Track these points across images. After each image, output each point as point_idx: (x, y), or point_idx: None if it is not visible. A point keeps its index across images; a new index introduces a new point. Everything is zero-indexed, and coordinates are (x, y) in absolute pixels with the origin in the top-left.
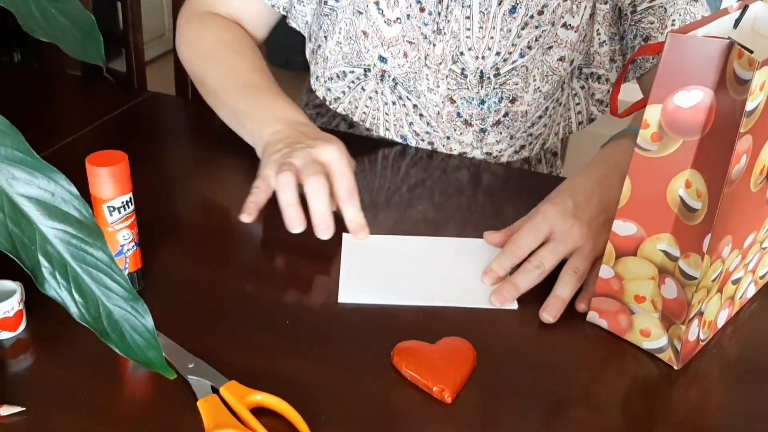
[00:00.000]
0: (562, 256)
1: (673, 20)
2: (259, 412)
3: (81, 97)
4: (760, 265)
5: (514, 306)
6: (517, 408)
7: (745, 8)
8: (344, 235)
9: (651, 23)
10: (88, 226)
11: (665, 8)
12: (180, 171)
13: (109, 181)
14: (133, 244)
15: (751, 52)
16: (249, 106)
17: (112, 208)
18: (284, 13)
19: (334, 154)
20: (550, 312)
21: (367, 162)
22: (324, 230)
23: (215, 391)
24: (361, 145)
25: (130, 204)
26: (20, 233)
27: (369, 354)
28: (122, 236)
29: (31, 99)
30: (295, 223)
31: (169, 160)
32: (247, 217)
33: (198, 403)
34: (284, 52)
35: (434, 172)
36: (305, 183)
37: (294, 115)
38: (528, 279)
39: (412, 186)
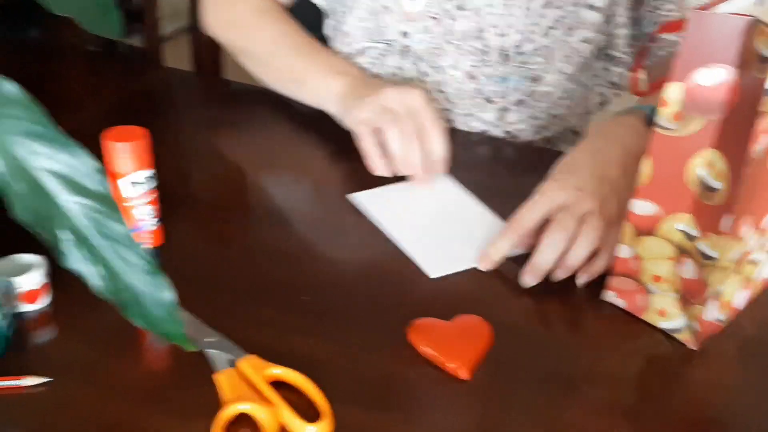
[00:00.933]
0: (579, 219)
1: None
2: (277, 386)
3: (98, 72)
4: None
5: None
6: (532, 385)
7: None
8: (354, 198)
9: (669, 10)
10: (109, 200)
11: None
12: (195, 147)
13: (130, 156)
14: (154, 219)
15: None
16: (308, 65)
17: (133, 183)
18: None
19: (420, 97)
20: (559, 274)
21: None
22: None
23: (233, 365)
24: None
25: (151, 180)
26: (41, 207)
27: (385, 331)
28: (143, 212)
29: (48, 74)
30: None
31: (185, 136)
32: (383, 170)
33: (216, 376)
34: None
35: (455, 148)
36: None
37: (355, 68)
38: (557, 249)
39: None
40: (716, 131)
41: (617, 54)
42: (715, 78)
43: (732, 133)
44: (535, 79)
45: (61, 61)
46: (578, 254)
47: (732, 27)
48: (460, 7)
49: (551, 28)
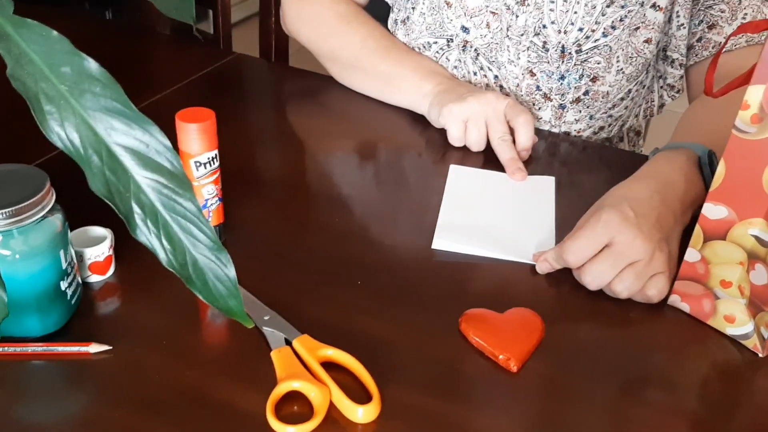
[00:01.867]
0: (621, 268)
1: (745, 14)
2: (329, 366)
3: (170, 55)
4: None
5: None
6: (584, 383)
7: None
8: (451, 168)
9: (722, 11)
10: (179, 178)
11: None
12: (262, 130)
13: (197, 136)
14: (216, 198)
15: None
16: (400, 68)
17: (198, 163)
18: None
19: (513, 102)
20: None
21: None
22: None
23: (288, 343)
24: None
25: (215, 160)
26: (116, 181)
27: (438, 319)
28: (207, 191)
29: (122, 55)
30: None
31: (252, 120)
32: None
33: (272, 353)
34: None
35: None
36: (491, 129)
37: (442, 69)
38: (597, 282)
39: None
40: None
41: (675, 55)
42: None
43: None
44: (594, 78)
45: (138, 42)
46: (615, 288)
47: None
48: (520, 2)
49: (612, 27)
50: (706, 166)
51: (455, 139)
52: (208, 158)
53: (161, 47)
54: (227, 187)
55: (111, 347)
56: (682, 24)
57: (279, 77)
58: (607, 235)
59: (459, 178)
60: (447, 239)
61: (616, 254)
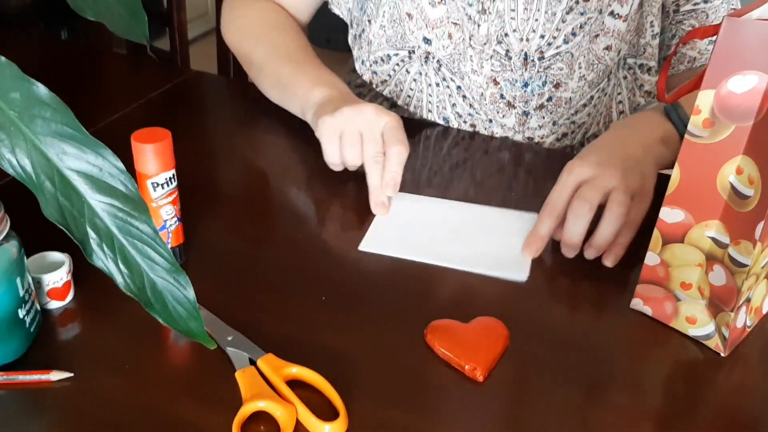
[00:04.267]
0: (602, 192)
1: None
2: (294, 384)
3: (126, 74)
4: None
5: (524, 277)
6: (550, 388)
7: None
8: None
9: (692, 26)
10: (134, 200)
11: (707, 14)
12: (221, 148)
13: (154, 157)
14: (175, 219)
15: None
16: (296, 74)
17: (155, 184)
18: None
19: (395, 121)
20: (611, 259)
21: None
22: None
23: (253, 363)
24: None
25: (173, 180)
26: (70, 206)
27: (403, 331)
28: (165, 211)
29: (78, 76)
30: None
31: (211, 138)
32: (337, 167)
33: (236, 374)
34: (325, 31)
35: (476, 152)
36: (365, 145)
37: (341, 84)
38: (582, 220)
39: (454, 165)
40: (748, 138)
41: (651, 63)
42: (747, 84)
43: (764, 140)
44: (557, 85)
45: (94, 63)
46: (606, 231)
47: (766, 34)
48: (481, 12)
49: (573, 34)
50: (672, 111)
51: (329, 157)
52: (166, 178)
53: (117, 67)
54: (187, 206)
55: (72, 374)
56: (657, 33)
57: (237, 93)
58: (573, 179)
59: (406, 201)
60: (372, 244)
61: (585, 189)
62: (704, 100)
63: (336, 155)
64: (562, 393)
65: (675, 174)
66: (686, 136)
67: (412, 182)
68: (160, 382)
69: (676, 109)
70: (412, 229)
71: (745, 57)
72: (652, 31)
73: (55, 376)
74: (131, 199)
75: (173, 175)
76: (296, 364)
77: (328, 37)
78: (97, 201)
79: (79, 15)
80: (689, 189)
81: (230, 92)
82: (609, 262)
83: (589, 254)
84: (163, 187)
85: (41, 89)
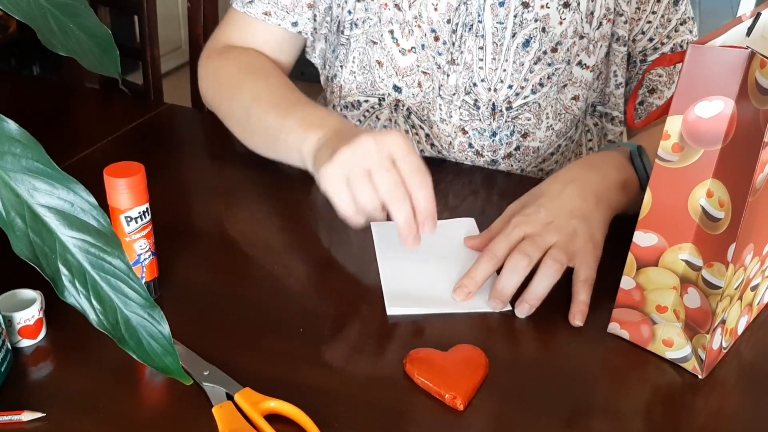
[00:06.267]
0: (543, 249)
1: None
2: (272, 418)
3: (99, 109)
4: None
5: (507, 307)
6: (531, 416)
7: (757, 16)
8: (372, 227)
9: (659, 76)
10: (107, 236)
11: (675, 64)
12: (196, 182)
13: (127, 191)
14: (149, 253)
15: None
16: (284, 120)
17: (129, 218)
18: (310, 38)
19: (399, 143)
20: (521, 310)
21: None
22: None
23: (230, 397)
24: None
25: (146, 214)
26: (41, 242)
27: (382, 361)
28: (139, 246)
29: (50, 112)
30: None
31: (185, 172)
32: (358, 219)
33: (213, 409)
34: (300, 63)
35: (446, 176)
36: (378, 185)
37: (335, 120)
38: (517, 274)
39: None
40: (716, 162)
41: (615, 113)
42: (714, 110)
43: (733, 163)
44: (525, 134)
45: (66, 98)
46: (538, 287)
47: (731, 59)
48: (450, 62)
49: (540, 84)
50: (636, 157)
51: (342, 210)
52: (139, 212)
53: (90, 102)
54: (161, 240)
55: (45, 414)
56: (621, 83)
57: (211, 127)
58: (517, 234)
59: (383, 235)
60: (400, 305)
61: (526, 244)
62: (673, 125)
63: (349, 205)
64: (542, 420)
65: (647, 198)
66: (656, 160)
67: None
68: (135, 421)
69: (641, 155)
70: (419, 274)
71: (710, 83)
72: (616, 80)
73: (27, 416)
74: (104, 234)
75: (147, 208)
76: (274, 398)
77: (302, 70)
78: (68, 237)
79: (51, 51)
80: (661, 213)
81: (204, 125)
82: (578, 321)
83: (521, 310)
84: (136, 221)
85: (11, 125)
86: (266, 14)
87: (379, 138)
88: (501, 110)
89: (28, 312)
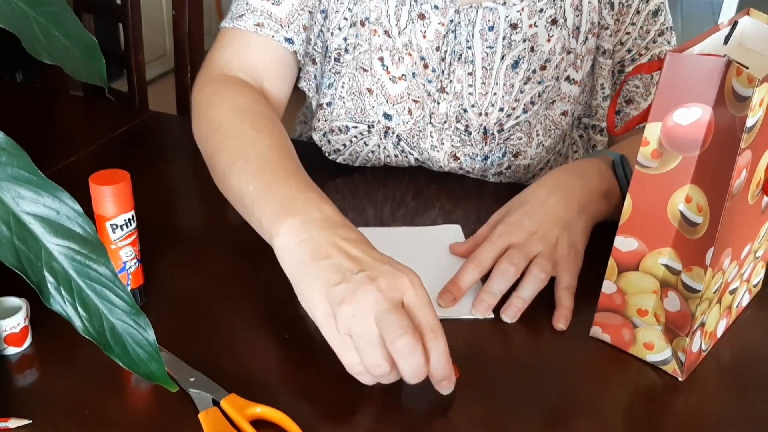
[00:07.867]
0: (529, 258)
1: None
2: (258, 424)
3: (84, 116)
4: (753, 274)
5: (491, 315)
6: (512, 418)
7: (734, 24)
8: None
9: (636, 87)
10: (92, 243)
11: (651, 75)
12: (181, 188)
13: (112, 199)
14: (135, 260)
15: (746, 68)
16: (267, 196)
17: (114, 226)
18: (302, 61)
19: (412, 292)
20: (509, 314)
21: (364, 181)
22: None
23: (216, 403)
24: (357, 171)
25: (132, 222)
26: (26, 250)
27: None
28: (125, 253)
29: (34, 119)
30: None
31: (169, 177)
32: (370, 378)
33: (199, 415)
34: None
35: (433, 181)
36: (389, 342)
37: (322, 211)
38: (505, 282)
39: (410, 200)
40: (695, 168)
41: (603, 124)
42: (692, 116)
43: (711, 169)
44: (516, 154)
45: (51, 105)
46: (524, 293)
47: (708, 67)
48: (440, 90)
49: (531, 103)
50: (619, 166)
51: (351, 368)
52: (125, 220)
53: (74, 109)
54: (147, 247)
55: (31, 421)
56: (608, 95)
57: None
58: (502, 243)
59: (371, 241)
60: None
61: (512, 252)
62: (652, 132)
63: (359, 365)
64: (524, 422)
65: (627, 203)
66: (636, 166)
67: (376, 217)
68: (121, 427)
69: (623, 164)
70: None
71: (688, 90)
72: (603, 93)
73: (14, 423)
74: (89, 242)
75: (132, 216)
76: (260, 404)
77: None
78: (54, 244)
79: (35, 58)
80: (641, 218)
81: (189, 132)
82: (561, 324)
83: (509, 314)
84: (122, 229)
85: None
86: (258, 25)
87: (390, 287)
88: (493, 133)
89: (14, 320)
